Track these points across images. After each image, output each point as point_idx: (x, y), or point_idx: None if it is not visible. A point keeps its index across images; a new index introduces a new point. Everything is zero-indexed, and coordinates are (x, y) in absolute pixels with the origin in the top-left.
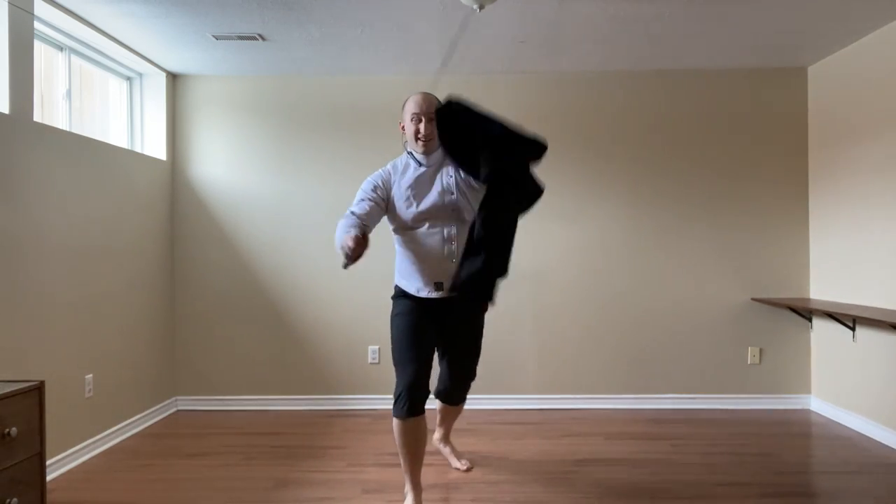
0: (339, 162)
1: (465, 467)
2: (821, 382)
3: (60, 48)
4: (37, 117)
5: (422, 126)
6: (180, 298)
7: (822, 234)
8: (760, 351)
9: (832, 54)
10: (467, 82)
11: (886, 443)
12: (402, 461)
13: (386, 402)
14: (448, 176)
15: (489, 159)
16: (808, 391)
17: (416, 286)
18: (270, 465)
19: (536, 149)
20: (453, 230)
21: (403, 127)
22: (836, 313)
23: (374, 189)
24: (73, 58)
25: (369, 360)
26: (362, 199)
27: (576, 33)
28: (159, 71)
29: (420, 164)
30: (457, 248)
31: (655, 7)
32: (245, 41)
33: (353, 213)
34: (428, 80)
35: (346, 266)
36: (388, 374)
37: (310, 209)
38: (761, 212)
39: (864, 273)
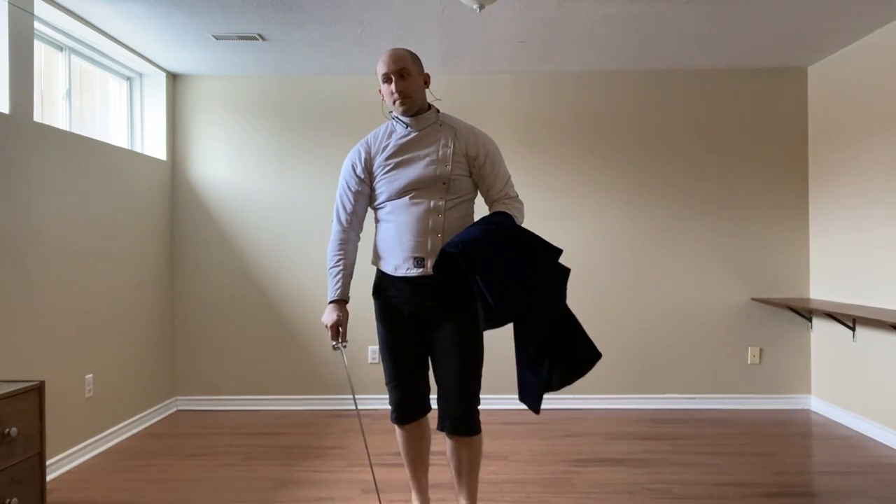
0: (338, 162)
1: None
2: (821, 382)
3: (60, 48)
4: (37, 117)
5: (393, 85)
6: (180, 298)
7: (822, 234)
8: (760, 351)
9: (832, 54)
10: (467, 82)
11: (886, 443)
12: (405, 465)
13: (386, 401)
14: (444, 146)
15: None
16: (808, 391)
17: (395, 263)
18: (270, 465)
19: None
20: (441, 203)
21: (382, 93)
22: (836, 313)
23: (353, 174)
24: (73, 58)
25: (369, 360)
26: (346, 198)
27: (575, 33)
28: (159, 71)
29: (407, 127)
30: (444, 221)
31: (655, 7)
32: (245, 41)
33: (341, 230)
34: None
35: (336, 347)
36: None
37: (309, 209)
38: (761, 212)
39: (864, 273)
